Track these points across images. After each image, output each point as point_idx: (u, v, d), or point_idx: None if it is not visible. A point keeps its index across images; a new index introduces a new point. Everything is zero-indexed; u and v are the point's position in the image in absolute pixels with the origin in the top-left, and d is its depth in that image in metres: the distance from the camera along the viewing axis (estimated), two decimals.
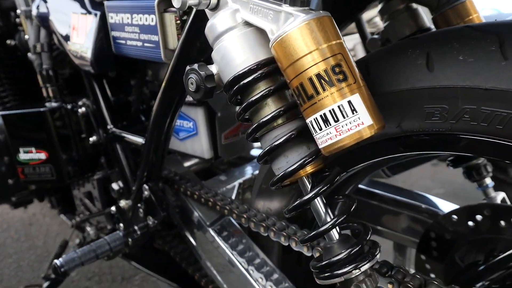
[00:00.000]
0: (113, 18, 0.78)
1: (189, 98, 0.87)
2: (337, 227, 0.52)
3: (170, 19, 0.70)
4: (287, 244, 0.69)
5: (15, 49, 1.17)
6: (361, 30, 0.95)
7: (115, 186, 0.98)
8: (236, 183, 0.98)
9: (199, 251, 0.87)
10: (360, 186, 1.00)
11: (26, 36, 1.05)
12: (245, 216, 0.75)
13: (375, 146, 0.60)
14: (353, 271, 0.50)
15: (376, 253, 0.51)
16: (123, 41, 0.78)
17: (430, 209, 0.89)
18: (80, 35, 0.85)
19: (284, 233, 0.69)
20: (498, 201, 0.83)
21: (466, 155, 0.79)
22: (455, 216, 0.81)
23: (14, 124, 0.98)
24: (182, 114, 0.95)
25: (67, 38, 0.88)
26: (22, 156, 0.99)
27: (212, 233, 0.81)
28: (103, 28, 0.81)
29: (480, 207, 0.77)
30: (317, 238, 0.53)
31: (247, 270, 0.75)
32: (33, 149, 0.97)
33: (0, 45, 1.15)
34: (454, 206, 0.87)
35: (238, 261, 0.76)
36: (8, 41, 1.14)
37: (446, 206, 0.89)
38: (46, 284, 1.19)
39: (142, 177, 0.85)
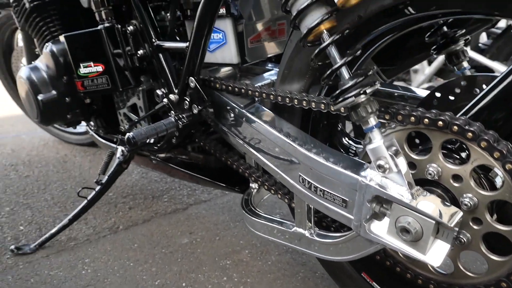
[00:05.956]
0: None
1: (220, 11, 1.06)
2: (346, 66, 0.72)
3: None
4: (307, 106, 0.89)
5: None
6: None
7: (159, 92, 1.19)
8: (257, 85, 1.19)
9: (232, 135, 1.07)
10: None
11: None
12: (273, 93, 0.96)
13: (377, 17, 0.79)
14: (361, 95, 0.71)
15: (376, 82, 0.72)
16: None
17: (414, 95, 1.10)
18: None
19: (306, 99, 0.89)
20: None
21: (447, 40, 1.00)
22: (438, 93, 1.02)
23: (75, 43, 1.17)
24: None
25: None
26: (82, 70, 1.19)
27: (247, 113, 1.01)
28: None
29: (457, 80, 0.98)
30: (332, 75, 0.73)
31: (278, 135, 0.94)
32: (92, 63, 1.18)
33: None
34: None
35: (271, 129, 0.96)
36: None
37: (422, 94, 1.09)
38: (98, 187, 1.41)
39: (187, 73, 1.05)
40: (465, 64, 1.04)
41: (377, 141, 0.73)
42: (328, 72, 0.73)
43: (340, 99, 0.72)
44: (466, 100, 0.97)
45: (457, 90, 0.98)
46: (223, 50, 1.15)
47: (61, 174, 2.00)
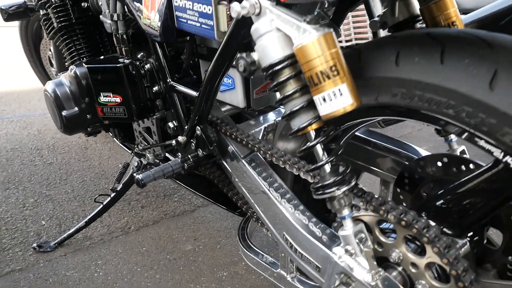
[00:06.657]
0: (177, 2, 1.05)
1: None
2: (328, 164, 0.82)
3: (223, 10, 0.96)
4: (297, 173, 1.00)
5: (87, 9, 1.44)
6: (369, 11, 1.18)
7: (170, 124, 1.30)
8: (262, 127, 1.29)
9: (233, 176, 1.19)
10: (358, 134, 1.29)
11: (100, 1, 1.32)
12: (269, 153, 1.06)
13: (361, 111, 0.88)
14: (336, 191, 0.81)
15: (352, 181, 0.82)
16: (185, 20, 1.05)
17: (408, 154, 1.19)
18: (150, 11, 1.11)
19: (296, 166, 1.00)
20: (458, 152, 1.12)
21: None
22: (422, 162, 1.10)
23: (96, 74, 1.28)
24: None
25: (139, 11, 1.15)
26: (102, 99, 1.31)
27: (244, 163, 1.12)
28: (169, 8, 1.07)
29: (440, 156, 1.06)
30: (316, 170, 0.83)
31: (268, 190, 1.07)
32: (111, 94, 1.29)
33: (76, 7, 1.43)
34: (427, 153, 1.16)
35: (262, 184, 1.08)
36: (83, 3, 1.41)
37: (420, 153, 1.18)
38: (113, 194, 1.57)
39: (194, 119, 1.16)
40: (452, 136, 1.11)
41: (348, 229, 0.84)
42: (312, 167, 0.83)
43: (319, 192, 0.83)
44: (446, 174, 1.06)
45: (439, 164, 1.06)
46: (231, 94, 1.24)
47: (82, 163, 2.17)
